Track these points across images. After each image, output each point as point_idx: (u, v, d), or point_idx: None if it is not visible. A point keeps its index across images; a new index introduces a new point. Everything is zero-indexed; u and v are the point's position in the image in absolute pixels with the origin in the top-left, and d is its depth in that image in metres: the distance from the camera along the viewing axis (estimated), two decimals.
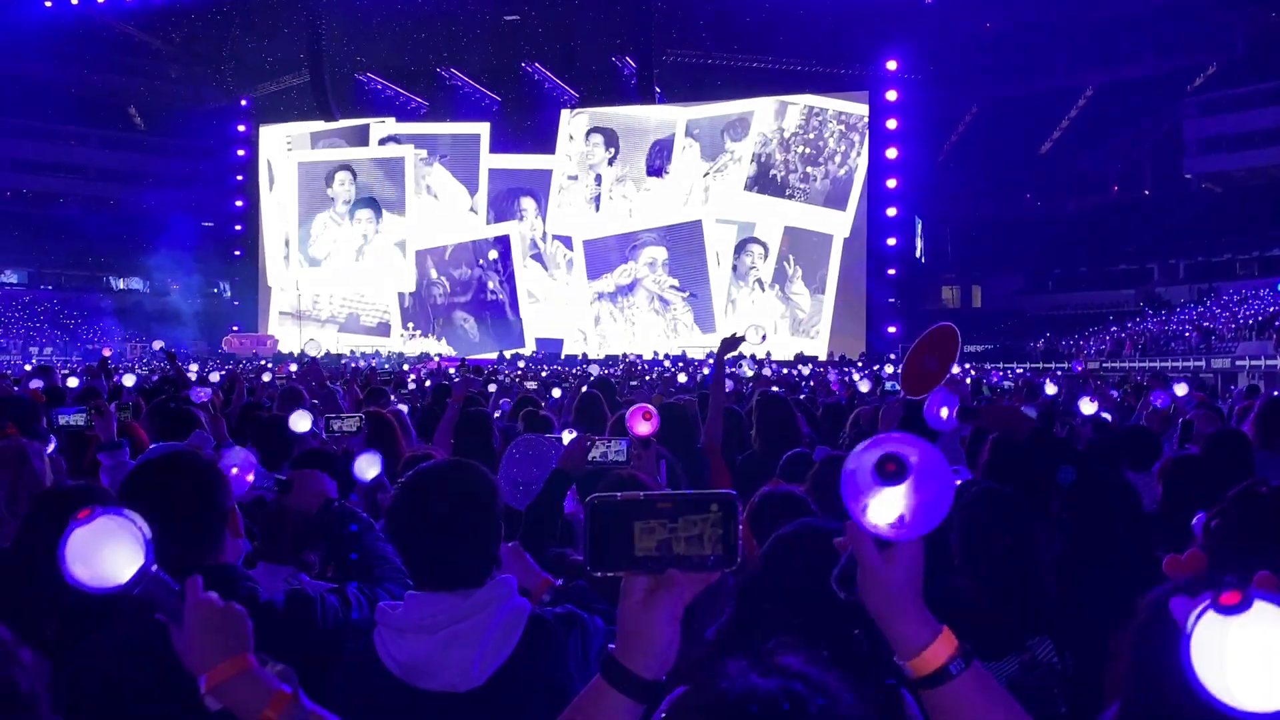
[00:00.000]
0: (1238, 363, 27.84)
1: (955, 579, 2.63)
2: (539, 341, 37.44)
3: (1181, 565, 1.57)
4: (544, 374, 17.55)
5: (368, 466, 3.46)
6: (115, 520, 1.29)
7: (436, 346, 37.56)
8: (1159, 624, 1.54)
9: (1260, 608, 0.93)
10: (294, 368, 11.53)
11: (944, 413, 3.80)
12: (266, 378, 12.58)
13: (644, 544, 1.08)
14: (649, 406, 3.37)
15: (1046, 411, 5.92)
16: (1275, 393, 7.42)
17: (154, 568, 1.32)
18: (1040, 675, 2.45)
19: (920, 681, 1.15)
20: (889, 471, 1.07)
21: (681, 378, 13.93)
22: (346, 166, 40.64)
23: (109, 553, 1.28)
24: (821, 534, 2.23)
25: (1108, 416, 7.00)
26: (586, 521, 1.10)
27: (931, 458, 1.10)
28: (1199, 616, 0.95)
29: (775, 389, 7.69)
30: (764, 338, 5.16)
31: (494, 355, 32.84)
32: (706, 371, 15.95)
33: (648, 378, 13.68)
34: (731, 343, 5.03)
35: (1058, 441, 3.07)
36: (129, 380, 10.26)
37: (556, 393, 9.90)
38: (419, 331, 38.90)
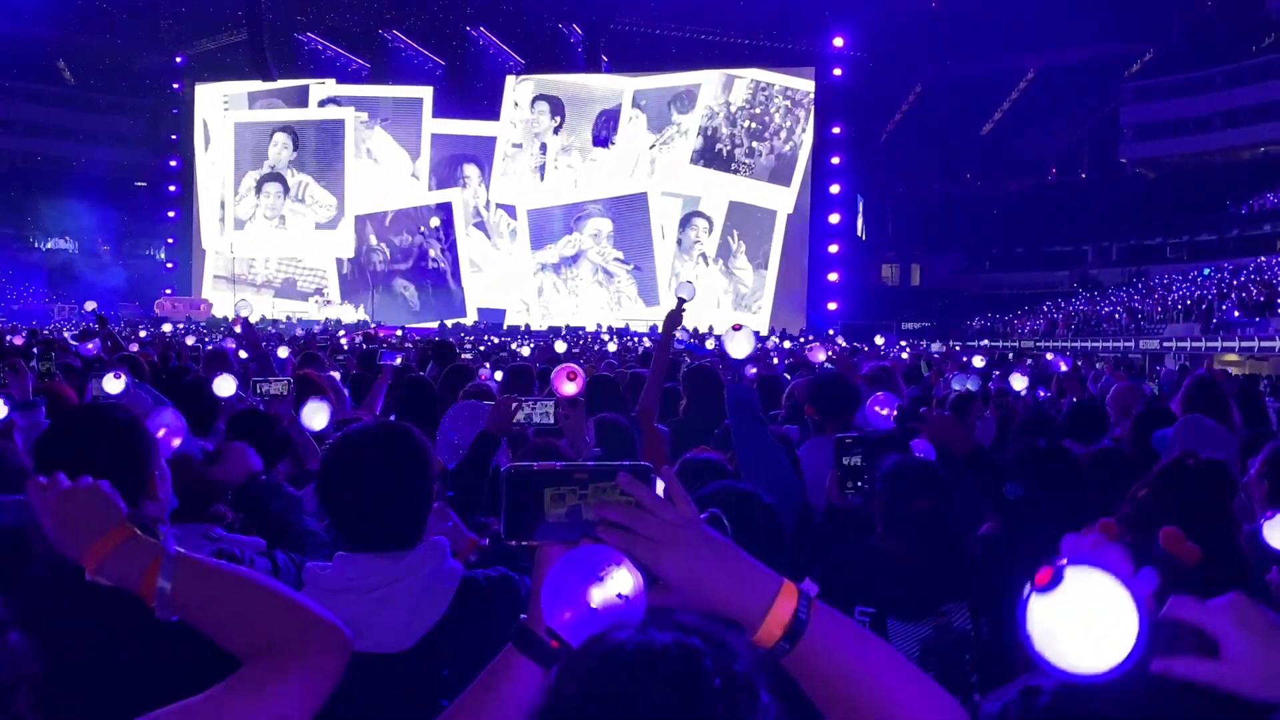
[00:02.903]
0: (1165, 344, 28.65)
1: (876, 542, 2.67)
2: (481, 311, 37.10)
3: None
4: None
5: (314, 415, 3.59)
6: None
7: (355, 314, 36.50)
8: None
9: (1073, 576, 0.93)
10: (238, 329, 11.31)
11: (883, 412, 3.90)
12: (191, 340, 12.35)
13: (553, 509, 1.08)
14: (574, 367, 3.35)
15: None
16: (1200, 371, 7.64)
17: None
18: (953, 640, 2.47)
19: (782, 640, 0.98)
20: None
21: (612, 346, 13.97)
22: (286, 128, 39.71)
23: None
24: (738, 495, 2.24)
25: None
26: (501, 490, 1.09)
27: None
28: (1025, 601, 0.95)
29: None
30: (692, 294, 5.08)
31: (435, 324, 32.49)
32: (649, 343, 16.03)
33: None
34: (676, 317, 5.03)
35: (993, 462, 3.13)
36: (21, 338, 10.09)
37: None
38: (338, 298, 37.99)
